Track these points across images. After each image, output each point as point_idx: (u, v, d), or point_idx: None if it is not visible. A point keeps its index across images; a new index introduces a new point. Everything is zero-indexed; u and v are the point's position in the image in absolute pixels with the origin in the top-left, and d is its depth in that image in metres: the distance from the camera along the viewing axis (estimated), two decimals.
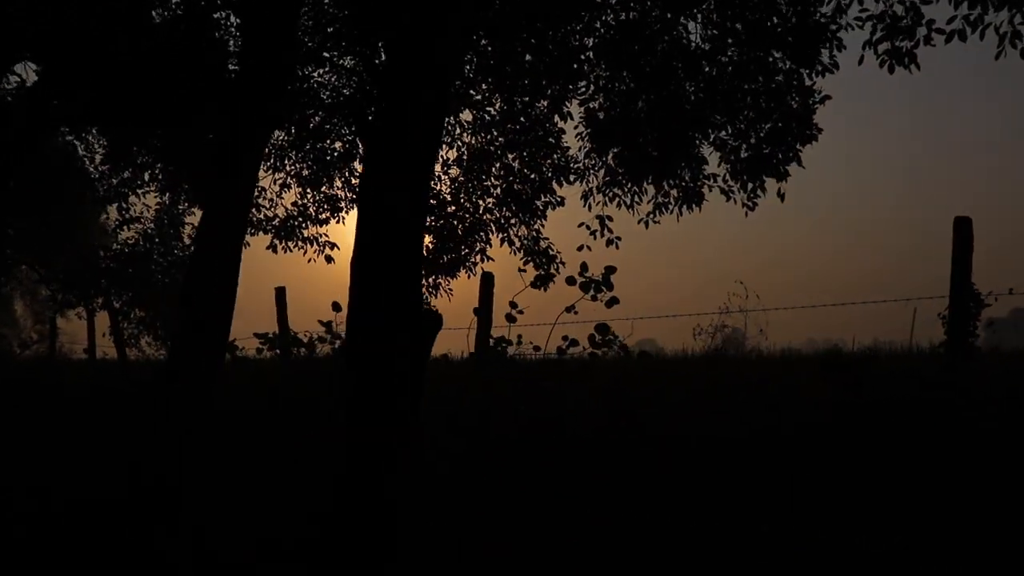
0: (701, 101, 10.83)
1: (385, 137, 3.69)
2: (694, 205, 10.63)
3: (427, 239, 12.26)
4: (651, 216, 10.68)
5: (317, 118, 13.02)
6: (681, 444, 5.11)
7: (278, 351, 11.85)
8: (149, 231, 17.64)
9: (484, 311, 9.48)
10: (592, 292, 6.48)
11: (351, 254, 3.68)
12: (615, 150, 11.11)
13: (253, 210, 13.26)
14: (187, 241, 17.76)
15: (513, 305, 6.54)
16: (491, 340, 9.37)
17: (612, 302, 6.49)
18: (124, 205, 16.04)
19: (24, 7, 9.74)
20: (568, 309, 6.40)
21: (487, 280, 9.59)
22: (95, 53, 11.83)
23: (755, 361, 9.89)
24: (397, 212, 3.64)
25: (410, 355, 3.56)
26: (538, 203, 11.16)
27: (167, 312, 17.40)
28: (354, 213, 12.48)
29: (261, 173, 13.72)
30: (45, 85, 14.06)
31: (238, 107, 7.81)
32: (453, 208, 12.11)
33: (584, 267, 6.61)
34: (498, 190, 11.63)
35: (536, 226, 11.11)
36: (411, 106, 3.64)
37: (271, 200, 13.26)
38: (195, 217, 17.12)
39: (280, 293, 11.35)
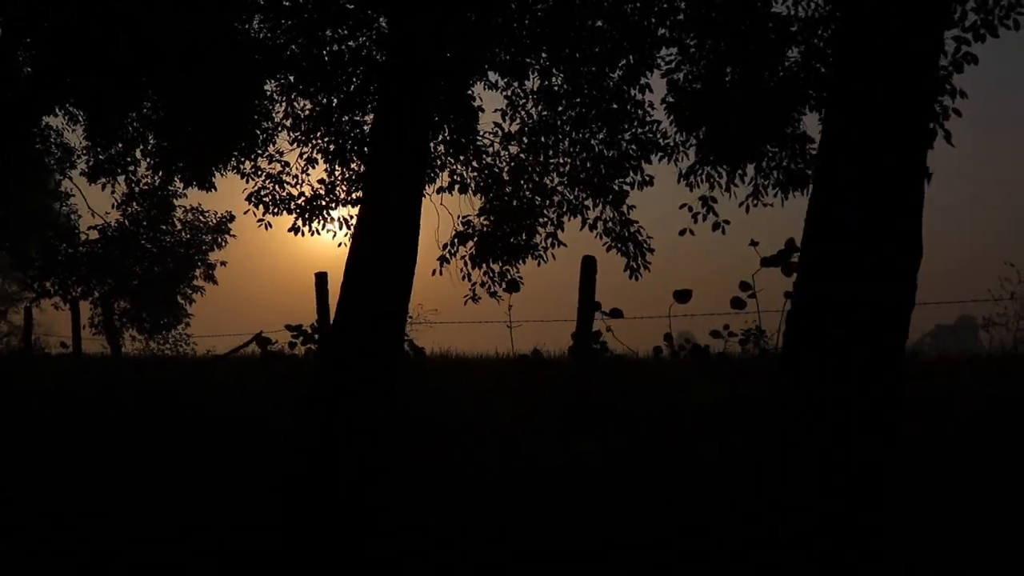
0: (795, 75, 9.73)
1: None
2: (799, 189, 9.48)
3: (481, 220, 10.89)
4: (751, 199, 9.50)
5: (348, 88, 11.59)
6: None
7: (312, 346, 10.37)
8: (137, 214, 15.90)
9: (585, 300, 8.17)
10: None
11: None
12: (703, 128, 9.94)
13: (276, 187, 11.76)
14: (179, 225, 16.11)
15: (745, 287, 5.24)
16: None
17: None
18: (114, 182, 14.34)
19: None
20: (788, 295, 5.12)
21: (588, 265, 8.27)
22: None
23: None
24: None
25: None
26: (619, 183, 9.89)
27: (155, 303, 15.74)
28: None
29: (285, 146, 12.24)
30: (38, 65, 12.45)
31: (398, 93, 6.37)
32: (510, 188, 10.78)
33: (790, 246, 5.36)
34: (567, 167, 10.34)
35: (623, 208, 9.83)
36: None
37: (295, 177, 11.75)
38: (187, 199, 15.51)
39: (321, 279, 9.87)
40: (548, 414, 6.49)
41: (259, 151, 12.95)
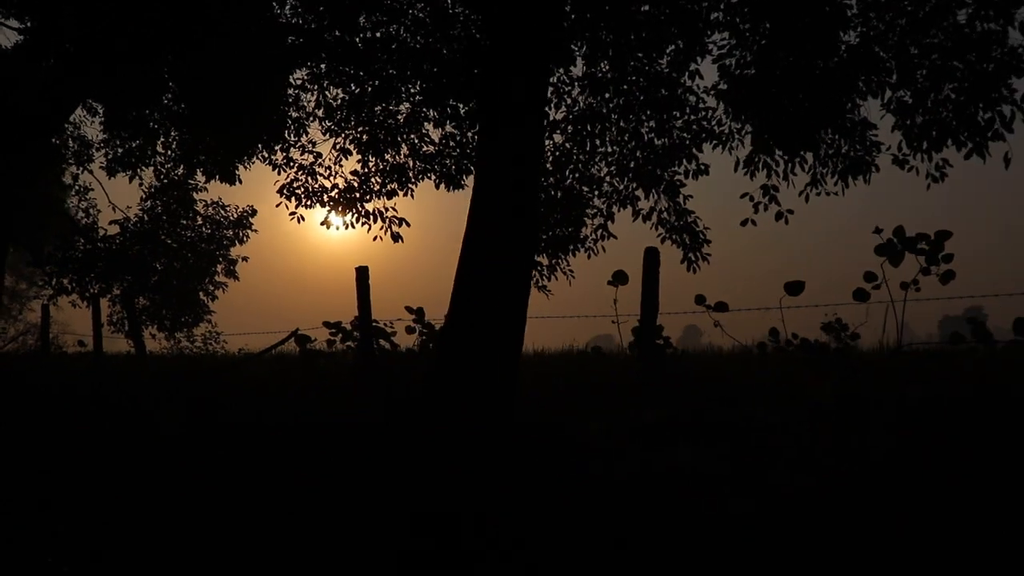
0: (852, 59, 9.35)
1: None
2: (859, 177, 9.11)
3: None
4: (810, 188, 9.13)
5: (385, 74, 11.21)
6: None
7: (351, 344, 10.00)
8: (155, 209, 15.49)
9: (649, 294, 7.81)
10: (925, 265, 4.87)
11: None
12: (754, 116, 9.58)
13: (308, 179, 11.37)
14: (199, 221, 15.69)
15: (871, 277, 4.88)
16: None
17: (948, 276, 4.89)
18: (136, 175, 13.93)
19: None
20: (905, 285, 4.77)
21: (651, 257, 7.91)
22: None
23: None
24: None
25: None
26: (672, 172, 9.50)
27: (176, 300, 15.32)
28: (424, 185, 10.44)
29: (318, 137, 11.80)
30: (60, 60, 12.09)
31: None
32: (555, 178, 10.40)
33: (900, 233, 5.01)
34: (615, 156, 9.96)
35: (679, 198, 9.44)
36: None
37: (328, 168, 11.36)
38: (208, 194, 15.07)
39: (362, 274, 9.49)
40: (622, 414, 6.12)
41: (288, 141, 12.57)
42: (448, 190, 11.44)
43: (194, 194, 14.76)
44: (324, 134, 11.29)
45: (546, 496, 3.81)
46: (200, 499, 4.15)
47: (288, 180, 11.30)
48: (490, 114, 6.28)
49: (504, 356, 5.74)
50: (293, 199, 11.21)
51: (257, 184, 15.10)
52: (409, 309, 9.86)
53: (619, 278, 7.15)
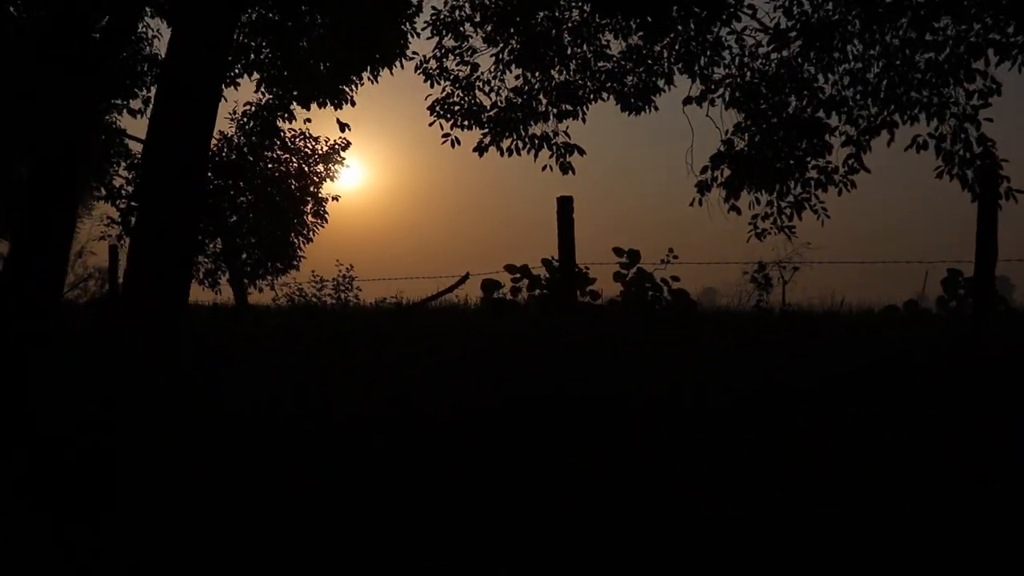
0: None
1: None
2: None
3: (740, 139, 8.68)
4: None
5: None
6: None
7: (538, 291, 8.15)
8: (236, 138, 13.47)
9: (985, 238, 6.07)
10: None
11: None
12: None
13: (464, 96, 9.44)
14: (285, 152, 13.69)
15: None
16: None
17: None
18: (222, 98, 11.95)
19: None
20: None
21: (988, 193, 6.12)
22: None
23: None
24: None
25: None
26: (940, 93, 7.63)
27: (265, 242, 13.38)
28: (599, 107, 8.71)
29: (478, 43, 9.81)
30: None
31: None
32: (771, 101, 8.54)
33: None
34: (859, 75, 8.11)
35: (971, 123, 7.57)
36: None
37: (488, 84, 9.45)
38: (297, 123, 13.04)
39: (564, 205, 7.61)
40: None
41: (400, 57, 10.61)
42: (628, 114, 9.58)
43: (282, 123, 12.71)
44: (484, 43, 9.37)
45: None
46: None
47: (443, 95, 9.38)
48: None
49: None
50: (449, 118, 9.31)
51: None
52: (619, 251, 8.04)
53: None
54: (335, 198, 14.08)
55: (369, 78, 11.52)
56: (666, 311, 7.84)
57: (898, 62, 8.02)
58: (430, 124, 9.31)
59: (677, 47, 9.38)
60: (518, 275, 8.19)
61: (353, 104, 11.37)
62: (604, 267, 8.14)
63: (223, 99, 12.17)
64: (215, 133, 13.87)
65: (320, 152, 13.85)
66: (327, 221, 13.86)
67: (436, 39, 9.33)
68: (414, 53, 9.37)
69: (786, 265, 8.14)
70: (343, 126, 11.03)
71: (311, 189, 13.74)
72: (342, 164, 13.92)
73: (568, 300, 7.56)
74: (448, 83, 9.37)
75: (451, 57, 9.33)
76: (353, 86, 11.47)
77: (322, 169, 13.82)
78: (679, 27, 9.22)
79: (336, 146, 13.92)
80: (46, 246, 6.87)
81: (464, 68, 9.42)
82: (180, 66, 5.64)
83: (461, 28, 9.33)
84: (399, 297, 9.67)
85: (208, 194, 12.94)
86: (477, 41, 9.37)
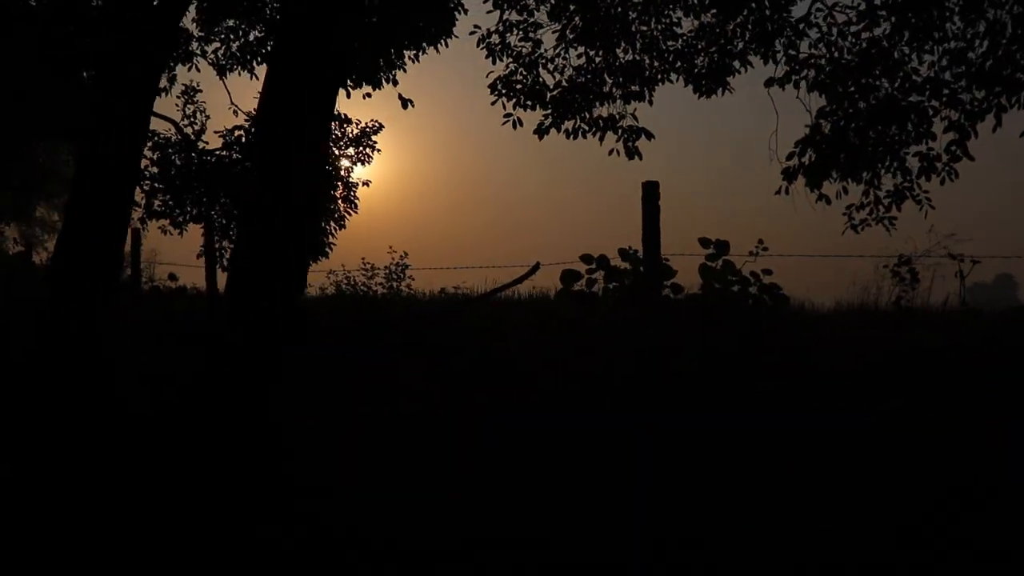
0: None
1: None
2: None
3: (825, 124, 8.11)
4: None
5: None
6: None
7: (615, 284, 7.56)
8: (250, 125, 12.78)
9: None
10: None
11: None
12: None
13: (528, 74, 8.84)
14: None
15: None
16: None
17: None
18: (255, 75, 11.35)
19: None
20: None
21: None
22: None
23: None
24: None
25: None
26: None
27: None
28: (668, 89, 8.40)
29: (543, 19, 9.18)
30: None
31: None
32: (860, 83, 7.97)
33: None
34: (957, 54, 7.54)
35: None
36: None
37: (551, 62, 8.85)
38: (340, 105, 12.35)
39: (650, 190, 7.04)
40: None
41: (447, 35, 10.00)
42: (699, 96, 9.00)
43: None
44: (550, 19, 8.77)
45: None
46: None
47: (506, 72, 8.78)
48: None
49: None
50: (511, 97, 8.70)
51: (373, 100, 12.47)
52: (705, 242, 7.46)
53: None
54: (366, 183, 13.43)
55: (410, 58, 10.90)
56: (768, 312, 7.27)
57: (1004, 40, 7.47)
58: (492, 103, 8.70)
59: (751, 26, 8.81)
60: (593, 266, 7.60)
61: (395, 82, 10.73)
62: (685, 259, 7.57)
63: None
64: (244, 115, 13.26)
65: (351, 136, 13.20)
66: (357, 209, 13.19)
67: (498, 13, 8.71)
68: (475, 27, 8.74)
69: (963, 258, 7.70)
70: (405, 103, 10.36)
71: (341, 174, 13.06)
72: (373, 148, 13.26)
73: (654, 294, 6.98)
74: (511, 60, 8.76)
75: (514, 32, 8.71)
76: (392, 69, 10.82)
77: (353, 153, 13.18)
78: (753, 4, 8.68)
79: (367, 129, 13.26)
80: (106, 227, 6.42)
81: (527, 44, 8.81)
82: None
83: (524, 1, 8.72)
84: (461, 288, 9.07)
85: (235, 178, 12.31)
86: (542, 16, 8.76)
